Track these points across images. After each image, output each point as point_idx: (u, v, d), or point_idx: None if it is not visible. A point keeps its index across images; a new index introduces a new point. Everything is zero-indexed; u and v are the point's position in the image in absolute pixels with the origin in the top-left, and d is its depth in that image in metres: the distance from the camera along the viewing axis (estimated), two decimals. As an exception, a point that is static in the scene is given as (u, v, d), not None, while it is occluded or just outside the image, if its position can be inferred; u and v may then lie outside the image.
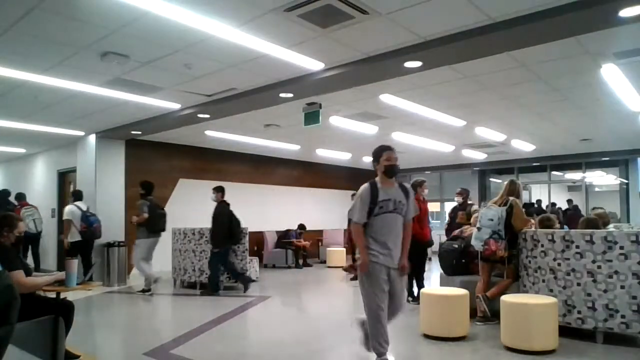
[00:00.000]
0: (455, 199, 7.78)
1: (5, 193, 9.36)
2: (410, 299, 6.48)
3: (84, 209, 7.95)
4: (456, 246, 5.89)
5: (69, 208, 7.87)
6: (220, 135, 9.27)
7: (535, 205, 12.74)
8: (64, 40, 4.49)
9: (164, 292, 7.63)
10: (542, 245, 4.74)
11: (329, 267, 11.28)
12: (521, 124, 8.66)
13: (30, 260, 8.90)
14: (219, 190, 7.56)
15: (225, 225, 7.25)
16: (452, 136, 9.64)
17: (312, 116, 6.87)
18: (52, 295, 3.63)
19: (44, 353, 3.39)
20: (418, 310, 4.93)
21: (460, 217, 7.25)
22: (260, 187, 11.91)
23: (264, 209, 11.71)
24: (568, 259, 4.51)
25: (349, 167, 14.23)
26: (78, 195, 8.18)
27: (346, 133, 9.06)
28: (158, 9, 3.80)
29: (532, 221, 5.72)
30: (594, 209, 7.64)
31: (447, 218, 8.18)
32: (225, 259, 7.38)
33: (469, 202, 7.75)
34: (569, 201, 13.36)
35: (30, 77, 5.51)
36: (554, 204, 13.39)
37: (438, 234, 12.68)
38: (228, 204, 7.48)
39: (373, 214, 3.62)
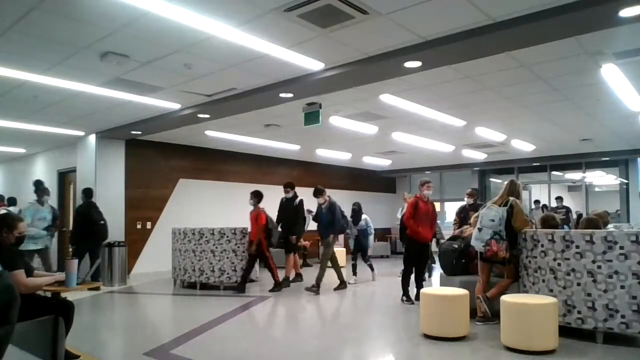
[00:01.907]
0: (466, 199, 7.72)
1: None
2: (404, 298, 6.47)
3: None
4: (456, 246, 5.88)
5: None
6: (220, 135, 9.28)
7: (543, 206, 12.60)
8: (64, 40, 4.49)
9: (164, 292, 7.63)
10: (542, 245, 4.73)
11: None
12: (521, 124, 8.66)
13: None
14: (83, 192, 8.00)
15: (80, 224, 7.64)
16: (452, 136, 9.65)
17: (312, 116, 6.87)
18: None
19: (44, 353, 3.39)
20: (418, 310, 4.93)
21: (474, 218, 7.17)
22: (261, 187, 11.84)
23: (264, 209, 11.68)
24: (568, 259, 4.51)
25: (349, 167, 14.23)
26: (11, 201, 9.04)
27: (346, 133, 9.06)
28: (158, 9, 3.80)
29: (534, 221, 5.72)
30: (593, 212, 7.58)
31: (455, 218, 8.04)
32: (81, 257, 7.58)
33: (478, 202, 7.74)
34: (559, 199, 12.59)
35: (30, 77, 5.52)
36: (537, 201, 12.97)
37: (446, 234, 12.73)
38: (93, 206, 7.81)
39: None
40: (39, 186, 7.33)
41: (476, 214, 5.54)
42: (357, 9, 3.88)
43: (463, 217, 7.56)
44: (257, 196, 7.79)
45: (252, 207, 7.73)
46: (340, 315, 6.39)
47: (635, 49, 4.78)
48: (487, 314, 4.99)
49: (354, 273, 8.56)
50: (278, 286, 7.59)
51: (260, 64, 5.14)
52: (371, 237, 8.80)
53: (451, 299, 4.62)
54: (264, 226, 7.57)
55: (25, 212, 6.94)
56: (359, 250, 8.65)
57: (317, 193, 7.78)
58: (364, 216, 8.66)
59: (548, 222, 5.30)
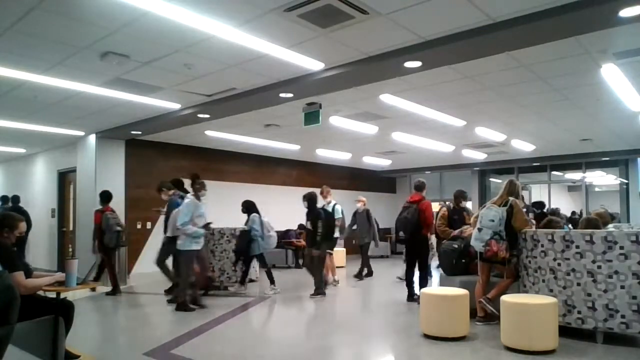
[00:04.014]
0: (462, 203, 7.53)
1: None
2: (416, 296, 6.43)
3: None
4: (456, 246, 5.88)
5: None
6: (220, 135, 9.28)
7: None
8: (64, 40, 4.49)
9: (164, 292, 7.62)
10: (542, 245, 4.73)
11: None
12: (521, 124, 8.65)
13: None
14: (11, 198, 8.38)
15: None
16: (452, 136, 9.64)
17: (312, 116, 6.87)
18: (52, 295, 3.62)
19: (44, 353, 3.38)
20: (418, 310, 4.93)
21: (467, 218, 7.05)
22: (261, 187, 11.90)
23: (264, 209, 11.66)
24: (568, 259, 4.51)
25: (349, 167, 14.22)
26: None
27: (346, 133, 9.06)
28: (158, 9, 3.80)
29: (533, 221, 5.70)
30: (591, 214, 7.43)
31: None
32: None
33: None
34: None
35: (30, 77, 5.51)
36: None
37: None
38: (15, 209, 7.98)
39: None
40: (196, 180, 6.63)
41: (475, 214, 5.53)
42: (357, 9, 3.88)
43: (456, 219, 7.32)
44: (100, 196, 7.59)
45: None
46: (340, 316, 6.39)
47: (635, 49, 4.78)
48: (494, 314, 4.93)
49: (271, 281, 7.44)
50: (113, 291, 7.25)
51: (260, 64, 5.14)
52: (259, 242, 7.34)
53: (451, 299, 4.62)
54: (95, 226, 7.36)
55: (185, 208, 6.27)
56: (249, 255, 7.42)
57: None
58: (252, 215, 7.49)
59: (550, 227, 5.29)
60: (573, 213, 11.94)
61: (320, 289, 7.08)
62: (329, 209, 8.06)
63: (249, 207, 7.64)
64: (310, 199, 7.24)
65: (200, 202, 6.38)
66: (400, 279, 8.32)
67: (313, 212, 7.18)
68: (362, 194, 14.12)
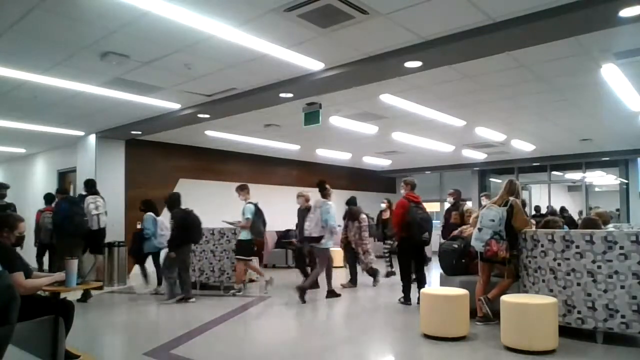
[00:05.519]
0: (447, 199, 7.76)
1: None
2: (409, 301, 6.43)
3: None
4: (456, 246, 5.88)
5: None
6: (220, 135, 9.28)
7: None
8: (64, 40, 4.49)
9: (164, 292, 7.62)
10: (542, 245, 4.73)
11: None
12: (521, 124, 8.66)
13: None
14: None
15: None
16: (452, 136, 9.65)
17: (312, 116, 6.87)
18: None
19: (44, 353, 3.38)
20: (418, 310, 4.92)
21: (454, 217, 7.17)
22: (260, 187, 11.88)
23: (264, 209, 11.64)
24: (568, 259, 4.51)
25: (349, 167, 14.23)
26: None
27: (346, 133, 9.07)
28: (158, 9, 3.81)
29: (533, 222, 5.71)
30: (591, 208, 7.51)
31: (442, 219, 8.09)
32: None
33: (461, 201, 7.72)
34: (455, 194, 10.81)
35: (30, 77, 5.52)
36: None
37: (437, 234, 12.71)
38: None
39: None
40: (325, 187, 6.82)
41: (475, 214, 5.53)
42: (357, 9, 3.88)
43: (447, 217, 7.48)
44: (44, 198, 8.30)
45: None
46: (340, 316, 6.39)
47: (635, 49, 4.78)
48: (488, 315, 4.98)
49: (146, 280, 7.72)
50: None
51: (260, 64, 5.14)
52: (152, 241, 7.36)
53: (451, 299, 4.61)
54: (36, 225, 8.14)
55: (333, 211, 6.77)
56: (143, 253, 7.52)
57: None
58: (145, 215, 7.47)
59: (549, 227, 5.29)
60: (562, 210, 11.53)
61: (171, 292, 6.78)
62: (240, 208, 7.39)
63: (147, 206, 7.62)
64: (167, 202, 6.91)
65: None
66: (374, 285, 8.10)
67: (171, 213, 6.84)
68: (362, 194, 14.17)
